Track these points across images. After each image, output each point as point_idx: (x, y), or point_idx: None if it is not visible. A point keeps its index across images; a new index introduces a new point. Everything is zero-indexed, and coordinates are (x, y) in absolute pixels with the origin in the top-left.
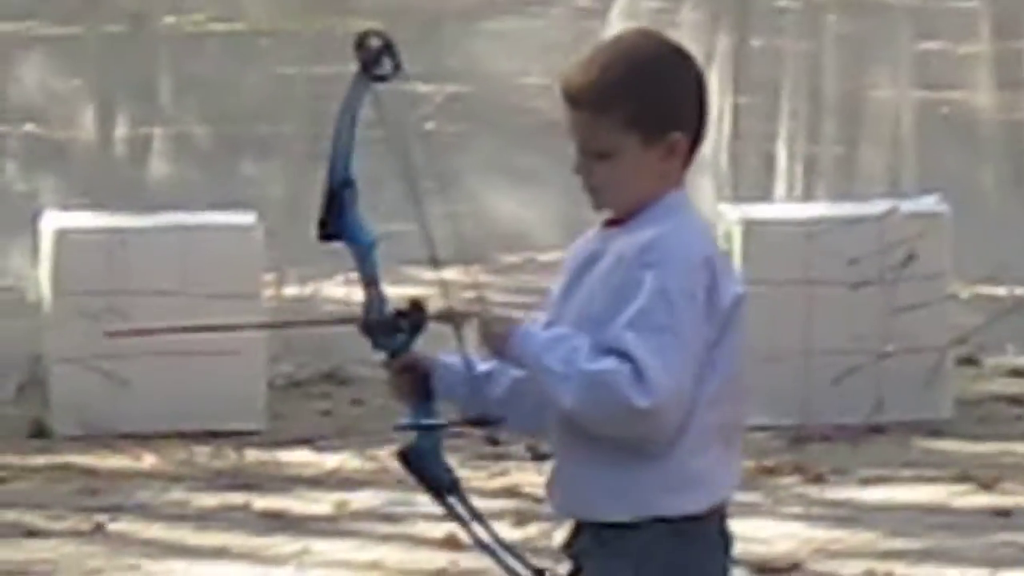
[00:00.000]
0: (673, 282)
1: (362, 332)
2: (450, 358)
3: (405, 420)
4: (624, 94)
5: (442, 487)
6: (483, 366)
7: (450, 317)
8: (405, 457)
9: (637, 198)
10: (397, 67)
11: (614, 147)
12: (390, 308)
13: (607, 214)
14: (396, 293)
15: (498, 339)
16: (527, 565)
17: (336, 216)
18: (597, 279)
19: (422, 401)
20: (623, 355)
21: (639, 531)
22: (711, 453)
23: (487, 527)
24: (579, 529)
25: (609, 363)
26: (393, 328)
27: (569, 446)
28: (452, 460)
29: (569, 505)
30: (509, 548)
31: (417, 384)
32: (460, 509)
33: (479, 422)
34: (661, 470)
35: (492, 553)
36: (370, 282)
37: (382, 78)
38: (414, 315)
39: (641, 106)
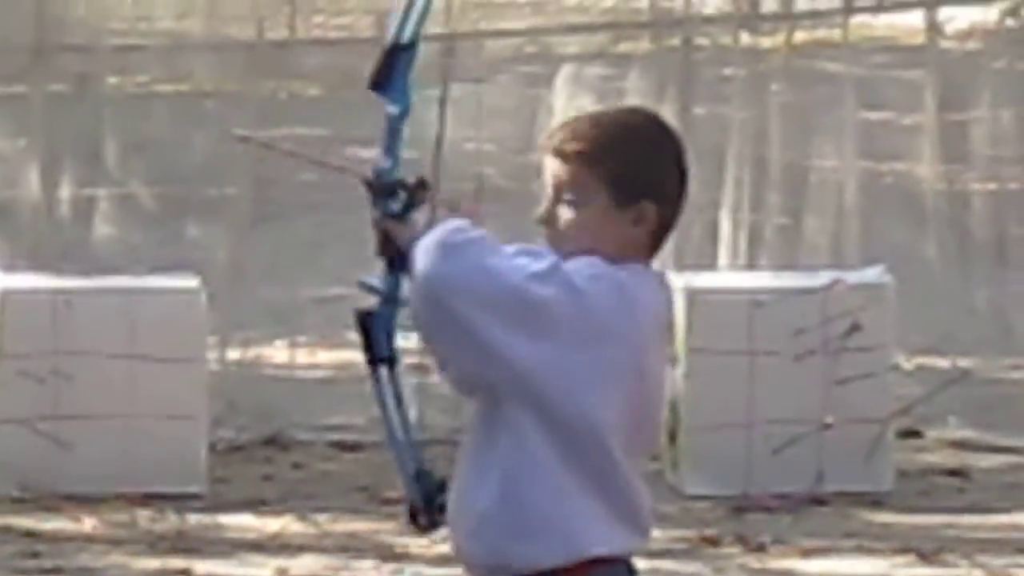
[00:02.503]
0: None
1: (366, 187)
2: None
3: (368, 279)
4: (612, 154)
5: (381, 358)
6: None
7: (450, 204)
8: (363, 318)
9: (595, 251)
10: None
11: (589, 199)
12: (397, 176)
13: None
14: (334, 357)
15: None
16: (423, 473)
17: (384, 74)
18: None
19: (392, 270)
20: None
21: None
22: (571, 503)
23: (404, 418)
24: None
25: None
26: (392, 192)
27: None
28: (393, 525)
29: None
30: (415, 445)
31: (393, 254)
32: (386, 387)
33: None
34: (512, 513)
35: (394, 448)
36: (387, 148)
37: None
38: (416, 189)
39: (625, 169)
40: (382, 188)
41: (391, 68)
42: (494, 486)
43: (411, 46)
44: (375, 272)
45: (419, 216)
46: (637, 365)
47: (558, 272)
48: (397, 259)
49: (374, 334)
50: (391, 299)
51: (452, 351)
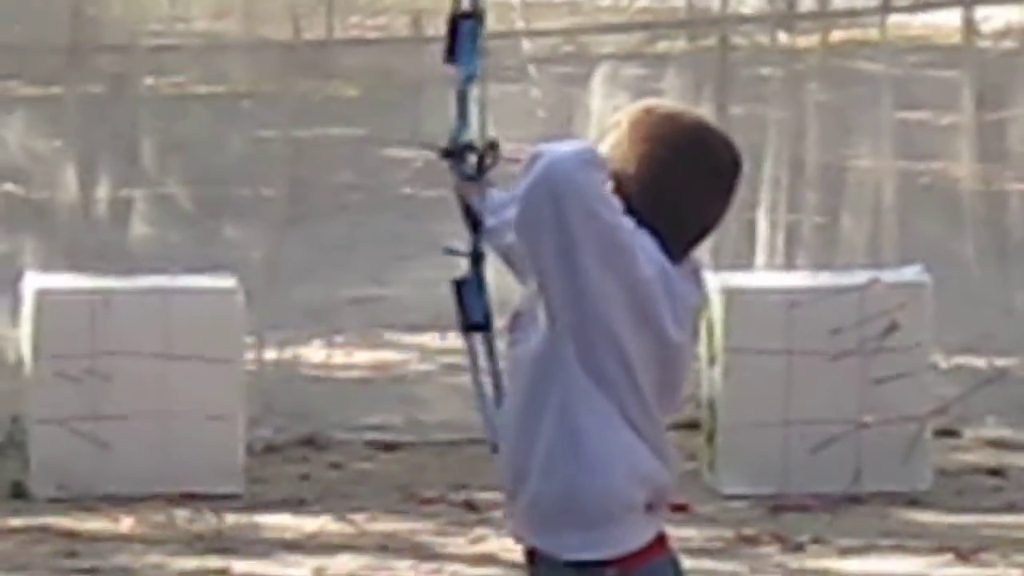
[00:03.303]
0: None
1: (442, 155)
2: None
3: (452, 245)
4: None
5: (474, 324)
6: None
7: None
8: (458, 285)
9: None
10: None
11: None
12: (466, 139)
13: None
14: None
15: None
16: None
17: (450, 42)
18: None
19: (472, 232)
20: None
21: None
22: (622, 434)
23: (498, 382)
24: None
25: None
26: (463, 155)
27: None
28: (430, 525)
29: None
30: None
31: (467, 213)
32: (480, 353)
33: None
34: (575, 444)
35: (484, 411)
36: (458, 112)
37: None
38: (487, 151)
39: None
40: (454, 152)
41: (455, 36)
42: (552, 424)
43: (473, 13)
44: (410, 271)
45: (492, 177)
46: (661, 327)
47: (643, 237)
48: (474, 221)
49: (467, 301)
50: (476, 260)
51: (541, 249)
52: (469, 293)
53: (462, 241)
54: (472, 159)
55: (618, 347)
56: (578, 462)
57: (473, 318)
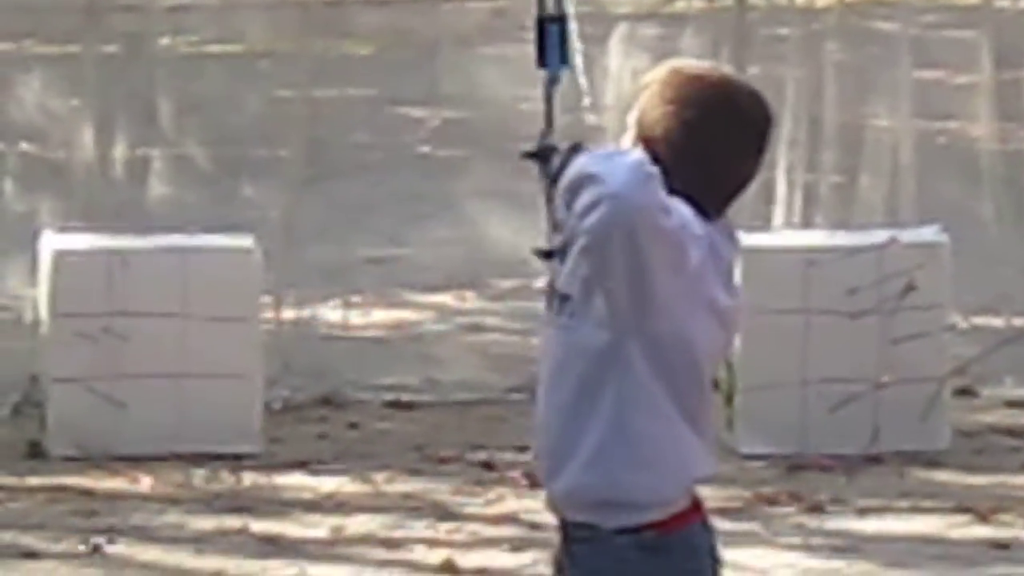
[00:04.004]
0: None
1: (529, 157)
2: None
3: (539, 246)
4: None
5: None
6: None
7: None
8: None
9: None
10: None
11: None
12: (548, 140)
13: None
14: (389, 316)
15: None
16: None
17: (540, 46)
18: None
19: (554, 230)
20: None
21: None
22: (677, 430)
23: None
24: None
25: None
26: (547, 157)
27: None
28: (448, 484)
29: None
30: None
31: (552, 213)
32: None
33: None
34: (628, 442)
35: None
36: (546, 115)
37: None
38: (570, 153)
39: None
40: (539, 154)
41: (542, 39)
42: (606, 418)
43: (559, 17)
44: (427, 230)
45: None
46: (714, 300)
47: (690, 218)
48: (557, 222)
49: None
50: (561, 260)
51: (611, 271)
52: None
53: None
54: (556, 161)
55: (685, 341)
56: (629, 460)
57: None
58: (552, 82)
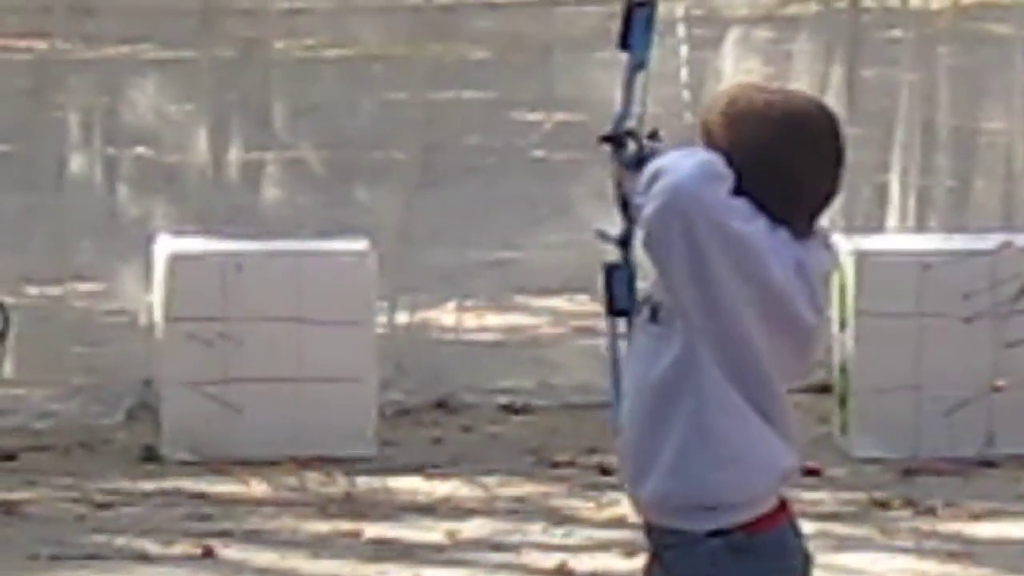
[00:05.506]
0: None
1: (604, 140)
2: None
3: (603, 228)
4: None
5: (620, 311)
6: None
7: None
8: (608, 271)
9: None
10: None
11: None
12: (627, 125)
13: None
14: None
15: None
16: None
17: (625, 30)
18: None
19: (625, 217)
20: None
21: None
22: (754, 427)
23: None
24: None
25: None
26: (622, 143)
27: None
28: (562, 488)
29: None
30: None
31: (622, 199)
32: (619, 340)
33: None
34: (710, 443)
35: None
36: (623, 100)
37: None
38: (649, 139)
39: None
40: (615, 138)
41: (629, 24)
42: (685, 422)
43: (647, 2)
44: (542, 234)
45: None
46: (797, 317)
47: (768, 230)
48: (626, 207)
49: (615, 288)
50: (625, 245)
51: (672, 267)
52: (619, 281)
53: (613, 225)
54: (632, 146)
55: (752, 348)
56: (713, 459)
57: (619, 305)
58: (635, 68)
